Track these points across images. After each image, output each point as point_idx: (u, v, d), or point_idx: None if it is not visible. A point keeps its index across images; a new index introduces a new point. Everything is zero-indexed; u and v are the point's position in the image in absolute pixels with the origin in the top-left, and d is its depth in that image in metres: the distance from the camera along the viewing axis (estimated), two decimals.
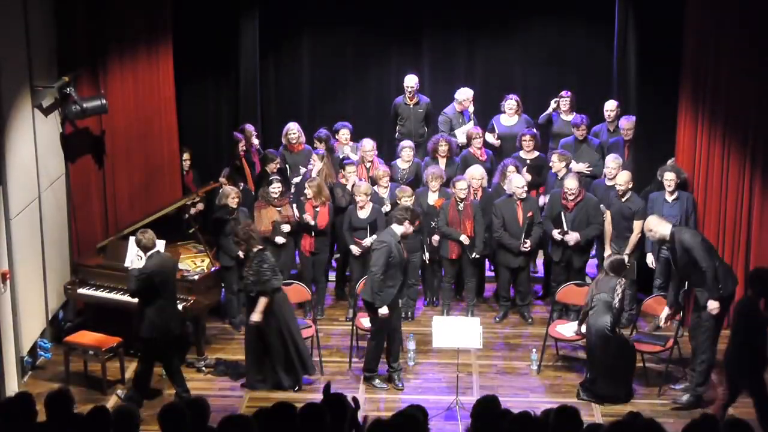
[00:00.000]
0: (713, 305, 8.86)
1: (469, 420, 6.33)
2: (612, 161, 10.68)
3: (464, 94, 12.01)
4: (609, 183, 10.64)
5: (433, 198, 10.73)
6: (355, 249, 10.46)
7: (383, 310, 9.16)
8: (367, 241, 10.39)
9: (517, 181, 10.46)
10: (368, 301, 9.29)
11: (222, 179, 10.89)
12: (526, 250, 10.46)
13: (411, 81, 12.08)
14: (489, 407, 6.23)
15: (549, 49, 12.93)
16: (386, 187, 10.86)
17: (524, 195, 10.43)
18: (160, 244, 9.42)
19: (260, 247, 9.31)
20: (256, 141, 11.74)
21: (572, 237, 10.33)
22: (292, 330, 9.34)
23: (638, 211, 10.26)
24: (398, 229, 9.25)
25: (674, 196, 10.10)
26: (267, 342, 9.29)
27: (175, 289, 9.10)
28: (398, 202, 10.38)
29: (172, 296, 9.03)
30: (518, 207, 10.46)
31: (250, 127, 11.58)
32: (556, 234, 10.42)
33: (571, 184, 10.35)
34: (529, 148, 11.32)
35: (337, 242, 11.24)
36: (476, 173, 10.76)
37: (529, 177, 10.85)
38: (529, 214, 10.42)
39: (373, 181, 10.94)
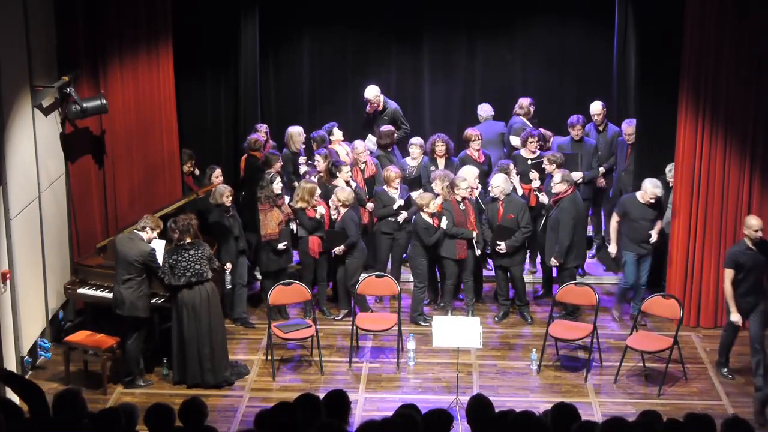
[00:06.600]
0: None
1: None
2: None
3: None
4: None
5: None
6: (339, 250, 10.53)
7: None
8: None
9: (493, 180, 10.52)
10: None
11: (215, 179, 10.77)
12: (501, 252, 10.45)
13: (371, 93, 12.07)
14: (481, 407, 6.21)
15: (549, 49, 12.95)
16: (397, 189, 10.86)
17: (497, 195, 10.41)
18: (160, 244, 9.47)
19: (189, 241, 9.18)
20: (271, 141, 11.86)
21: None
22: (192, 333, 9.21)
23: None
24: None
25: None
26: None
27: (121, 270, 9.20)
28: (423, 208, 10.35)
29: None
30: (500, 206, 10.48)
31: (263, 127, 11.69)
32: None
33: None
34: (533, 148, 11.32)
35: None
36: (470, 174, 10.73)
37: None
38: (509, 216, 10.40)
39: (384, 182, 10.96)
